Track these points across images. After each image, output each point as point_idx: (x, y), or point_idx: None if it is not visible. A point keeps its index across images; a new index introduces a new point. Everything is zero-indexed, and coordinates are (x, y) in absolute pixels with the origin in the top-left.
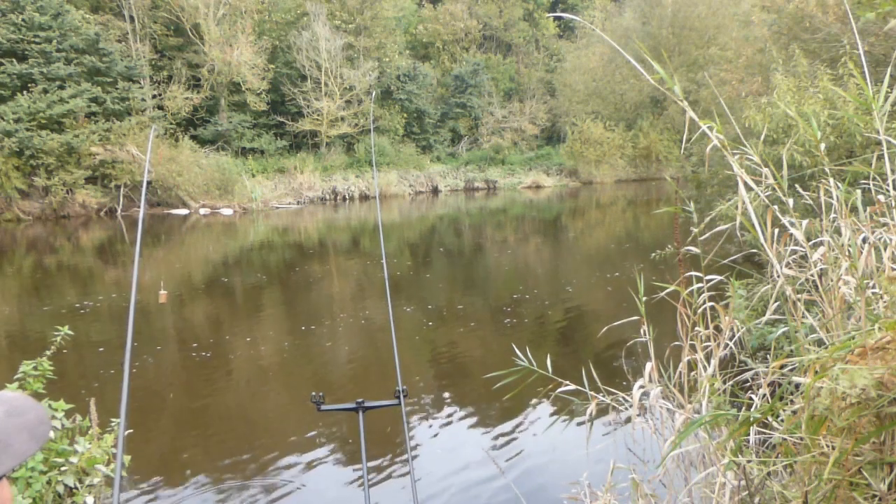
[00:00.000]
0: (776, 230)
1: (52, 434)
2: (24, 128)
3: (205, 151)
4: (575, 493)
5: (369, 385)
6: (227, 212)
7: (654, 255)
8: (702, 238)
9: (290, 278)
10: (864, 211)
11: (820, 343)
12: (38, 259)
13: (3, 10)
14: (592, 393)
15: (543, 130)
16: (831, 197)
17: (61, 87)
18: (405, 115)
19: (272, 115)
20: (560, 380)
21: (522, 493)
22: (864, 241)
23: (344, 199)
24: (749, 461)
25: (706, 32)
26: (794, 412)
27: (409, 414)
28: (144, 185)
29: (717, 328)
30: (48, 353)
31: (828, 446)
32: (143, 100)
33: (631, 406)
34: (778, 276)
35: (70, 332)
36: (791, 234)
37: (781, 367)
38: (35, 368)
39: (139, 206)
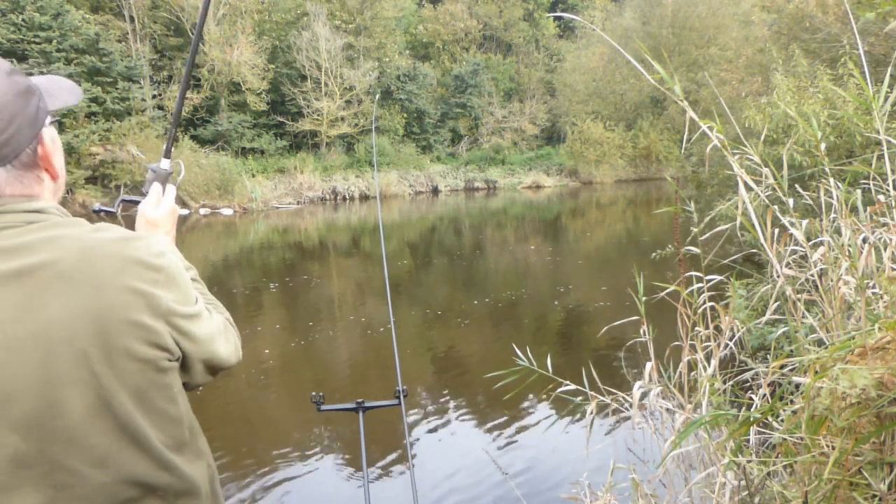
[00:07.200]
0: (776, 230)
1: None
2: None
3: (205, 151)
4: (575, 493)
5: (369, 385)
6: (228, 212)
7: (654, 255)
8: (702, 238)
9: (289, 278)
10: (864, 211)
11: (820, 343)
12: None
13: (3, 10)
14: (592, 393)
15: (543, 130)
16: (831, 197)
17: None
18: (405, 115)
19: (272, 115)
20: (560, 380)
21: (522, 493)
22: (864, 241)
23: (344, 199)
24: (749, 461)
25: (706, 32)
26: (794, 412)
27: (410, 414)
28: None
29: (717, 328)
30: None
31: (828, 446)
32: (143, 100)
33: (631, 406)
34: (778, 276)
35: None
36: (791, 234)
37: (781, 367)
38: None
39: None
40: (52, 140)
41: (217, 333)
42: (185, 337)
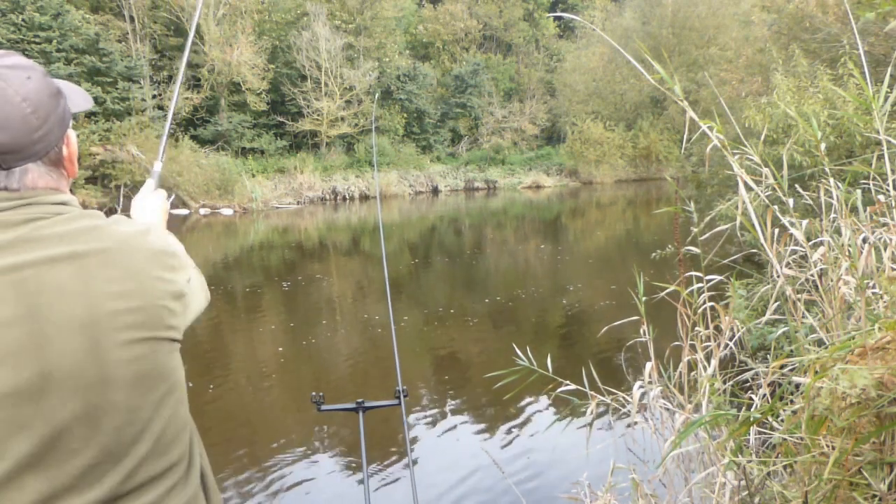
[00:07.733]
0: (776, 230)
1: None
2: None
3: (205, 151)
4: (575, 493)
5: (369, 385)
6: (228, 212)
7: (654, 255)
8: (702, 238)
9: (290, 278)
10: (864, 211)
11: (820, 343)
12: None
13: (3, 10)
14: (592, 393)
15: (543, 130)
16: (831, 197)
17: None
18: (405, 115)
19: (272, 115)
20: (560, 380)
21: (522, 493)
22: (864, 241)
23: (344, 199)
24: (749, 461)
25: (706, 32)
26: (794, 412)
27: (410, 414)
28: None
29: (717, 328)
30: None
31: (828, 446)
32: (143, 100)
33: (631, 406)
34: (778, 276)
35: None
36: (791, 234)
37: (781, 367)
38: None
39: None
40: (74, 141)
41: (197, 290)
42: (188, 309)
